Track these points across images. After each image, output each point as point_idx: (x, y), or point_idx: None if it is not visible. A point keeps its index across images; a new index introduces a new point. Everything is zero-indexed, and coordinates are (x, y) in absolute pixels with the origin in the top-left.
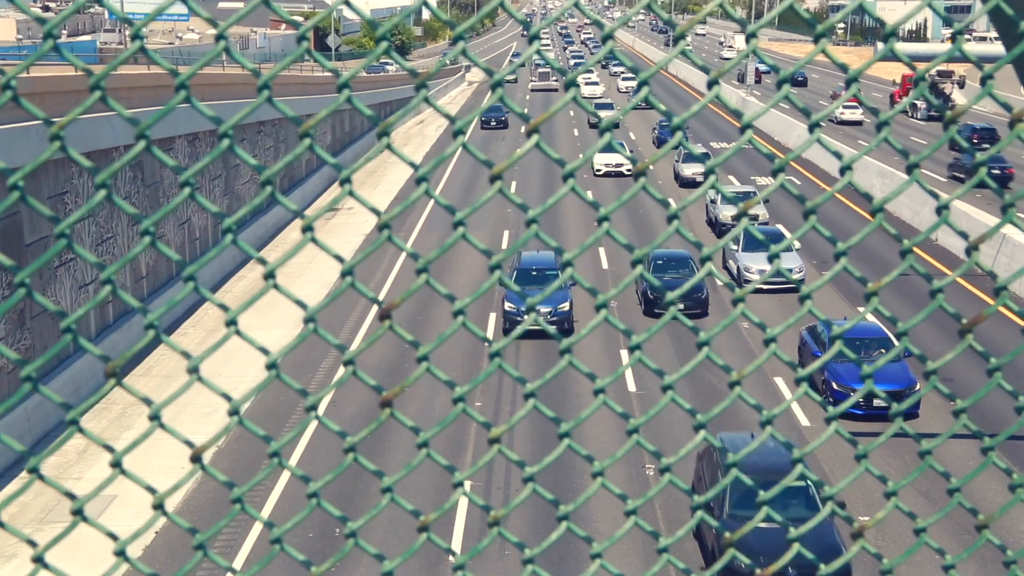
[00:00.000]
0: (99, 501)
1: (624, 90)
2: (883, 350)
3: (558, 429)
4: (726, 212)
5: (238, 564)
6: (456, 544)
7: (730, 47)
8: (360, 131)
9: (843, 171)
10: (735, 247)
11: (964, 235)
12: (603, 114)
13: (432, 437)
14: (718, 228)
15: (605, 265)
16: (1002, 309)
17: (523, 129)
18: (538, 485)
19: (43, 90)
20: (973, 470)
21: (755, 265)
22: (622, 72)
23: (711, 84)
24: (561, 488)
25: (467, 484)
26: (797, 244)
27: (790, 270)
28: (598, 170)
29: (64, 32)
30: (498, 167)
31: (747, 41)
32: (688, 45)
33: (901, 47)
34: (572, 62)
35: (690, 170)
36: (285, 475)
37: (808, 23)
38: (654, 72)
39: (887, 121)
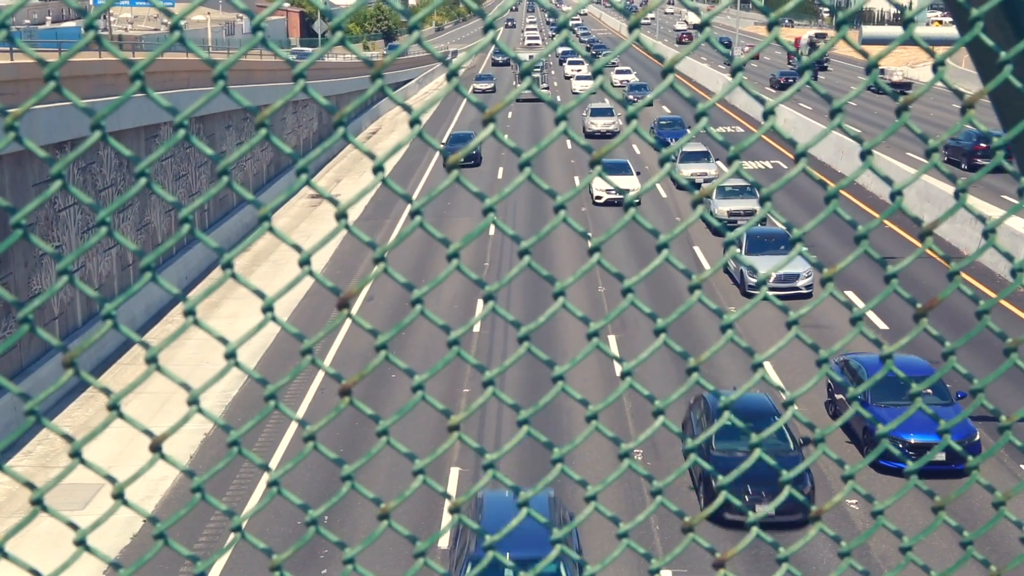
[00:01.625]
0: (85, 490)
1: (618, 84)
2: (929, 392)
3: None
4: (722, 208)
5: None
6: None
7: (685, 22)
8: (350, 119)
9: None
10: (737, 249)
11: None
12: (601, 121)
13: (392, 424)
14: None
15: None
16: (1004, 302)
17: (481, 118)
18: (498, 472)
19: (27, 76)
20: (930, 452)
21: (760, 268)
22: (615, 65)
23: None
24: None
25: (456, 471)
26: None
27: (797, 275)
28: (598, 198)
29: (48, 19)
30: (453, 157)
31: (700, 30)
32: (649, 20)
33: (866, 31)
34: (560, 51)
35: (689, 171)
36: (258, 466)
37: (762, 11)
38: (608, 61)
39: (841, 108)
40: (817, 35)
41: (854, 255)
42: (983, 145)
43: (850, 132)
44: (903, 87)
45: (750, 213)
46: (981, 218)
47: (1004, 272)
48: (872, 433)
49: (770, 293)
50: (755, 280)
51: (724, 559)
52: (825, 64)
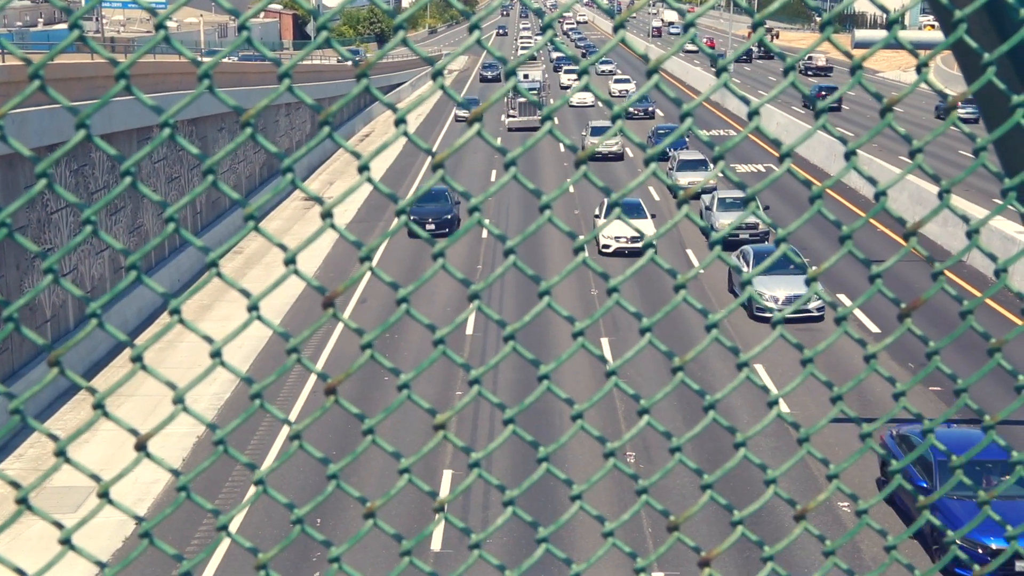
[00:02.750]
0: (77, 493)
1: (617, 93)
2: (1006, 477)
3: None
4: (723, 221)
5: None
6: (438, 531)
7: (661, 20)
8: (342, 120)
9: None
10: (745, 269)
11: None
12: (596, 138)
13: (378, 423)
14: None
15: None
16: (989, 300)
17: (468, 118)
18: (484, 472)
19: (18, 79)
20: (915, 449)
21: (768, 291)
22: (611, 71)
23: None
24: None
25: (449, 473)
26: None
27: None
28: (605, 247)
29: (40, 20)
30: (440, 155)
31: (685, 30)
32: (634, 16)
33: (858, 35)
34: (554, 55)
35: (685, 179)
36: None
37: (747, 12)
38: (594, 61)
39: (824, 109)
40: (768, 31)
41: (838, 255)
42: (823, 93)
43: (834, 133)
44: (825, 71)
45: (752, 227)
46: (965, 218)
47: (994, 276)
48: (942, 536)
49: (781, 315)
50: (742, 279)
51: (709, 558)
52: (754, 58)
